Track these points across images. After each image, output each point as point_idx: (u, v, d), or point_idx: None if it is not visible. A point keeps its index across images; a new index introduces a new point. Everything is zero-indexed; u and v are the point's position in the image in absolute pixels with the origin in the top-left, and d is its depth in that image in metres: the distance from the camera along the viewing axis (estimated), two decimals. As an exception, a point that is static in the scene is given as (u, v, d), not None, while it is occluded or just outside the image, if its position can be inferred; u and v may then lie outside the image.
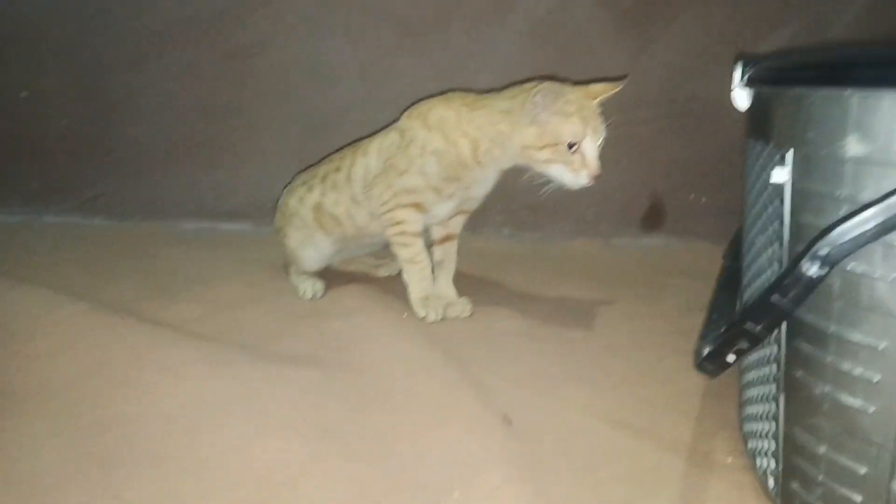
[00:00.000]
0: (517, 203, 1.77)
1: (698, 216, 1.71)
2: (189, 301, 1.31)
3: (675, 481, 0.81)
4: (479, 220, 1.75)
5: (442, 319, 1.25)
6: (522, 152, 1.14)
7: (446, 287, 1.34)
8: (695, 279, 1.50)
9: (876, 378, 0.58)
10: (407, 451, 0.84)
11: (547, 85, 1.08)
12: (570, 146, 1.10)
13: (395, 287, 1.33)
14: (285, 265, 1.46)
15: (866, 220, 0.50)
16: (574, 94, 1.12)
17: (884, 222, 0.49)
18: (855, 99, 0.54)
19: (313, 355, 1.09)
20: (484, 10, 1.63)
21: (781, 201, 0.65)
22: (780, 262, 0.66)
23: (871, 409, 0.59)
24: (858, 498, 0.62)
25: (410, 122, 1.25)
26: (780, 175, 0.63)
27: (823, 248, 0.52)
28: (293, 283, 1.40)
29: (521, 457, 0.82)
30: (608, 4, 1.58)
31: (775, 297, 0.56)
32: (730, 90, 0.77)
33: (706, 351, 0.67)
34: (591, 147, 1.11)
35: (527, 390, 1.00)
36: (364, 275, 1.52)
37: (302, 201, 1.39)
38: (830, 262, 0.53)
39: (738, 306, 0.83)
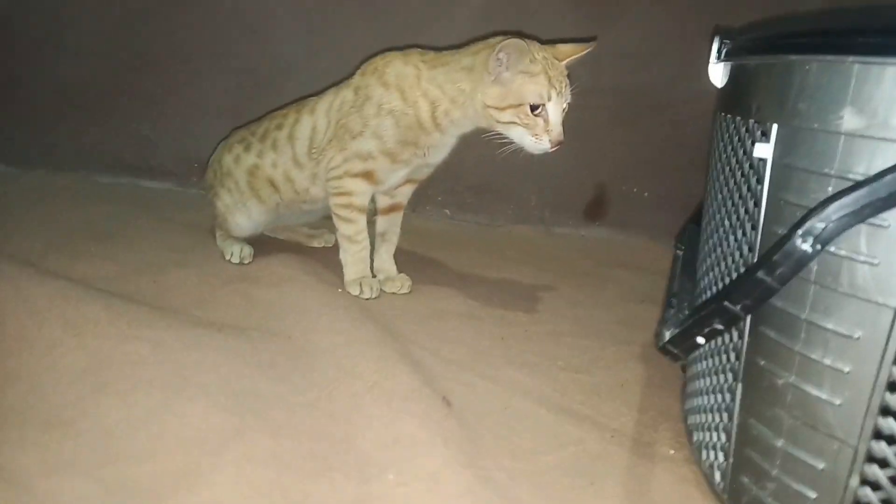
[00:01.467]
0: (461, 184, 1.71)
1: (639, 210, 1.70)
2: (103, 259, 1.20)
3: (618, 472, 0.77)
4: (420, 198, 1.68)
5: (378, 296, 1.18)
6: (483, 112, 1.06)
7: (387, 261, 1.27)
8: (634, 272, 1.50)
9: (846, 369, 0.55)
10: (338, 429, 0.77)
11: (512, 41, 1.00)
12: (534, 108, 1.02)
13: (330, 259, 1.25)
14: (214, 227, 1.35)
15: (865, 196, 0.47)
16: (541, 53, 1.04)
17: (884, 199, 0.46)
18: (856, 68, 0.50)
19: (239, 323, 1.00)
20: (443, -23, 1.56)
21: (759, 180, 0.61)
22: (751, 246, 0.63)
23: (838, 401, 0.56)
24: (813, 494, 0.59)
25: (366, 78, 1.15)
26: (763, 150, 0.59)
27: (819, 223, 0.49)
28: (220, 245, 1.30)
29: (461, 440, 0.77)
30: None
31: (761, 274, 0.53)
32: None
33: (671, 332, 0.63)
34: (555, 111, 1.03)
35: (467, 372, 0.95)
36: (296, 244, 1.43)
37: (238, 161, 1.28)
38: (824, 240, 0.49)
39: (695, 293, 0.80)
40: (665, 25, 1.55)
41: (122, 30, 1.63)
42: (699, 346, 0.61)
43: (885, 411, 0.54)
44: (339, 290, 1.18)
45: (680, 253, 0.93)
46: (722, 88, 0.74)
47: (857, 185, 0.48)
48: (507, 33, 1.09)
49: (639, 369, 1.03)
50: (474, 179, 1.70)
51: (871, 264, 0.52)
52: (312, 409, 0.80)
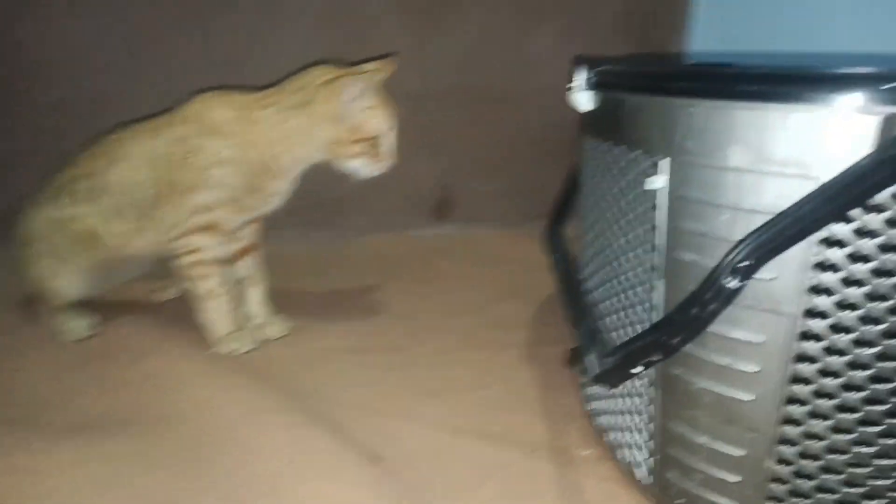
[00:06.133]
0: (307, 202, 1.65)
1: (486, 204, 1.77)
2: None
3: (551, 486, 0.80)
4: (267, 223, 1.59)
5: (258, 346, 1.11)
6: (329, 147, 1.05)
7: (262, 304, 1.18)
8: (491, 267, 1.55)
9: (755, 369, 0.62)
10: (270, 519, 0.71)
11: (353, 79, 1.01)
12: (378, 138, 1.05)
13: (184, 313, 1.12)
14: (32, 300, 1.17)
15: (782, 232, 0.53)
16: (369, 82, 1.05)
17: (797, 232, 0.52)
18: (739, 113, 0.56)
19: (112, 417, 0.88)
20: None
21: (653, 207, 0.66)
22: (653, 266, 0.68)
23: (750, 397, 0.63)
24: (737, 478, 0.67)
25: (187, 127, 1.05)
26: (656, 182, 0.64)
27: (744, 262, 0.54)
28: (49, 321, 1.13)
29: (399, 498, 0.75)
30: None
31: (695, 311, 0.57)
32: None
33: (600, 363, 0.66)
34: (392, 136, 1.07)
35: (377, 416, 0.93)
36: (140, 303, 1.29)
37: (50, 219, 1.11)
38: (748, 274, 0.55)
39: (583, 307, 0.85)
40: (493, 24, 1.61)
41: None
42: (635, 375, 0.66)
43: (791, 400, 0.62)
44: (211, 352, 1.08)
45: (557, 263, 0.97)
46: (590, 114, 0.79)
47: (773, 223, 0.53)
48: (325, 61, 1.08)
49: (531, 373, 1.07)
50: (319, 195, 1.65)
51: (766, 280, 0.59)
52: (233, 500, 0.73)
